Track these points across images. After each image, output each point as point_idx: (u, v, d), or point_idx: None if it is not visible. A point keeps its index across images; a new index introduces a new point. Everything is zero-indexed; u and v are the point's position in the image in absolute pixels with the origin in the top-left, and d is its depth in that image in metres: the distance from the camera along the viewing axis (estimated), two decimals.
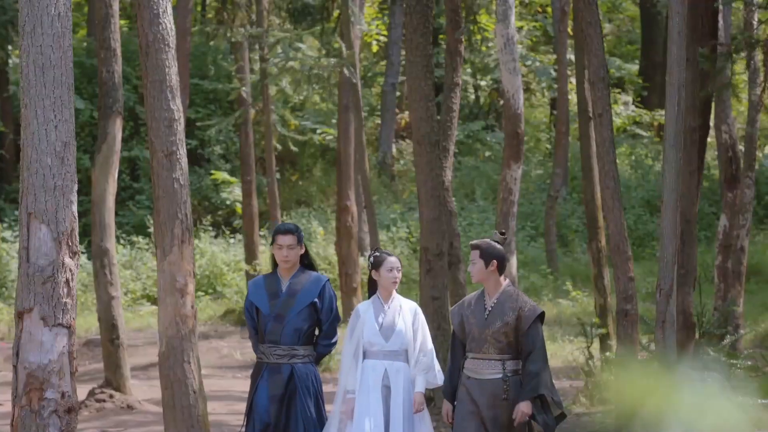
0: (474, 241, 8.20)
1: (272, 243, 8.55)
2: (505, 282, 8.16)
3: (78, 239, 6.97)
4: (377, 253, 8.52)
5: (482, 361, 8.07)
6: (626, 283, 10.75)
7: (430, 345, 8.46)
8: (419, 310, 8.51)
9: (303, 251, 8.52)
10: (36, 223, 6.81)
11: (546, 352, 8.06)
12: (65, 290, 6.86)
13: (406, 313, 8.44)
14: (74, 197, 6.91)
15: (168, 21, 9.72)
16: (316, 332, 8.61)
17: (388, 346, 8.39)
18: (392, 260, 8.43)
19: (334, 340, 8.61)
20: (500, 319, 8.03)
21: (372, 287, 8.56)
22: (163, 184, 9.74)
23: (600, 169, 10.74)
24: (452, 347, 8.33)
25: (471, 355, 8.14)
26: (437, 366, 8.47)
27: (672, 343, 8.18)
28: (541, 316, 8.06)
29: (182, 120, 9.83)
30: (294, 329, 8.43)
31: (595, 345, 13.95)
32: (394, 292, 8.47)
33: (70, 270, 6.90)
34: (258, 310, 8.53)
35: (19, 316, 6.82)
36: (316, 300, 8.47)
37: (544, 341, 8.08)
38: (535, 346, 7.96)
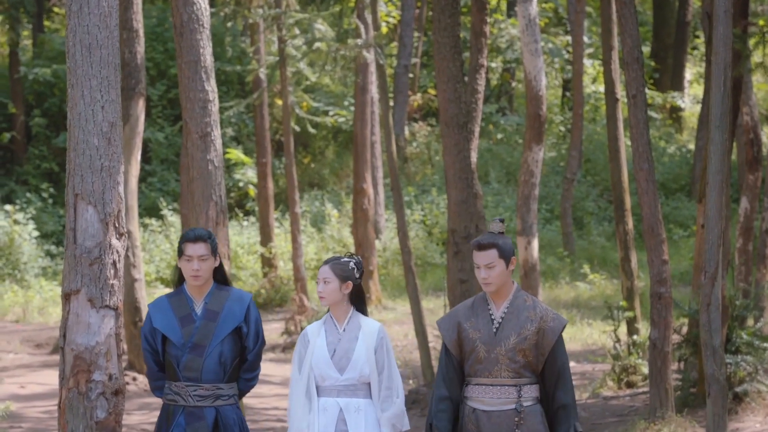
0: (483, 239, 6.40)
1: (179, 255, 6.92)
2: (514, 285, 6.49)
3: (125, 221, 6.90)
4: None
5: (491, 388, 6.38)
6: (660, 265, 10.68)
7: (398, 379, 6.73)
8: (385, 333, 6.75)
9: (217, 264, 6.93)
10: (83, 204, 6.73)
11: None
12: (112, 272, 6.78)
13: (367, 337, 6.68)
14: (121, 178, 6.83)
15: (202, 1, 9.65)
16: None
17: (342, 380, 6.67)
18: (321, 270, 6.73)
19: (258, 371, 7.02)
20: (516, 332, 6.35)
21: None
22: (198, 166, 9.71)
23: (634, 151, 10.67)
24: (445, 370, 6.50)
25: (475, 380, 6.42)
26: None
27: (717, 327, 8.10)
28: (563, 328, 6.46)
29: (216, 101, 9.78)
30: (218, 362, 6.82)
31: (621, 328, 13.88)
32: (352, 310, 6.74)
33: (117, 251, 6.82)
34: (166, 339, 6.88)
35: (66, 297, 6.75)
36: (242, 324, 6.88)
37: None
38: (565, 368, 6.40)
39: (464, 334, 6.41)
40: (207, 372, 6.82)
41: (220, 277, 6.96)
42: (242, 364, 6.91)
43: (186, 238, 6.89)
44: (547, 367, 6.37)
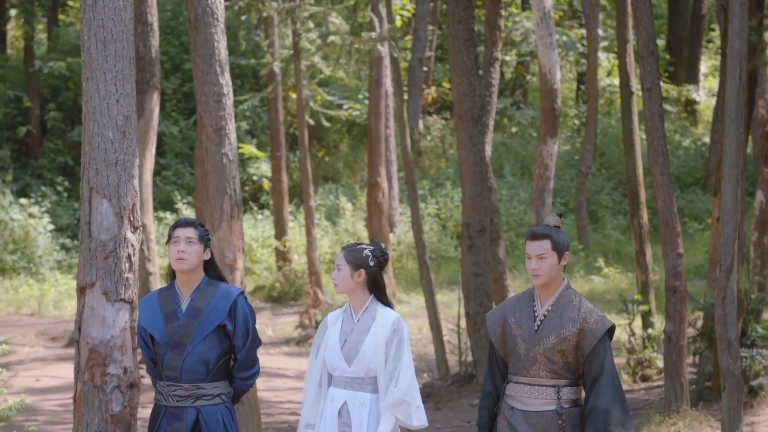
0: (537, 229, 6.17)
1: (168, 242, 6.71)
2: (564, 281, 6.26)
3: (140, 214, 6.91)
4: None
5: (529, 387, 6.17)
6: (675, 259, 10.67)
7: (408, 371, 6.38)
8: (401, 325, 6.42)
9: (208, 257, 6.64)
10: (98, 198, 6.73)
11: (618, 377, 6.17)
12: (127, 265, 6.78)
13: (380, 328, 6.39)
14: (136, 171, 6.83)
15: None
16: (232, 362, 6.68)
17: (350, 372, 6.43)
18: (338, 256, 6.53)
19: (254, 370, 6.66)
20: (555, 332, 6.12)
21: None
22: (213, 159, 9.71)
23: (649, 144, 10.65)
24: (489, 365, 6.35)
25: (515, 378, 6.23)
26: (416, 402, 6.37)
27: (733, 320, 8.09)
28: (610, 331, 6.16)
29: (231, 95, 9.78)
30: (198, 361, 6.52)
31: (636, 322, 13.86)
32: (370, 299, 6.47)
33: (132, 245, 6.82)
34: (152, 336, 6.64)
35: (81, 291, 6.76)
36: (225, 321, 6.53)
37: (614, 363, 6.19)
38: (603, 372, 6.08)
39: (508, 329, 6.23)
40: (187, 372, 6.52)
41: (213, 273, 6.68)
42: (235, 362, 6.62)
43: (176, 225, 6.67)
44: (585, 370, 6.11)
